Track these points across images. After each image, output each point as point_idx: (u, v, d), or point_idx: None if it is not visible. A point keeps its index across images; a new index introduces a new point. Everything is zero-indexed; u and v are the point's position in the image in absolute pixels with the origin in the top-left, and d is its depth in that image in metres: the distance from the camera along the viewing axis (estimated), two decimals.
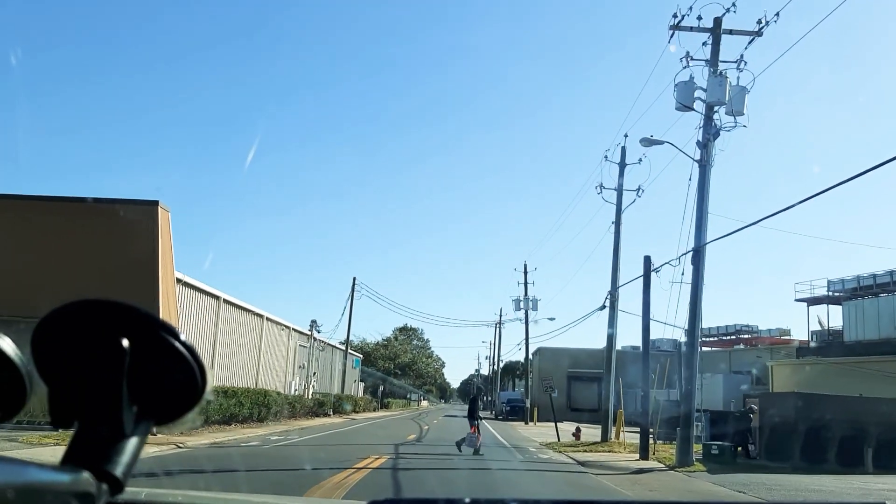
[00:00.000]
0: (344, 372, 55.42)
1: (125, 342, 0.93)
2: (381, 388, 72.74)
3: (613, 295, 26.33)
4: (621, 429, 26.48)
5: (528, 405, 49.69)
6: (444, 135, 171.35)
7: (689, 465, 17.67)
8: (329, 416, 43.56)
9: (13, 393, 0.89)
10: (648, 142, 19.44)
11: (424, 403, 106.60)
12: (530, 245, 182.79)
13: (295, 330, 43.10)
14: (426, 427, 35.16)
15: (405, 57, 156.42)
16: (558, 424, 28.71)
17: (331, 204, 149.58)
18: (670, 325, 28.15)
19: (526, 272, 52.69)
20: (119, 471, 0.93)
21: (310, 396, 43.11)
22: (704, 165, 18.77)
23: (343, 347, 55.66)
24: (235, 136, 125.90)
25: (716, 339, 65.02)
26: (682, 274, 19.59)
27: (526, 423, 46.13)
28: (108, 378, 0.93)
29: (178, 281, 24.62)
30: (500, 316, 72.07)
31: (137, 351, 0.94)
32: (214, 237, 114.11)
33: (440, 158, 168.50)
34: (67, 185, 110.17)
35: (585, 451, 22.25)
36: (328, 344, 52.08)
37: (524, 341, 52.37)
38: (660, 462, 19.17)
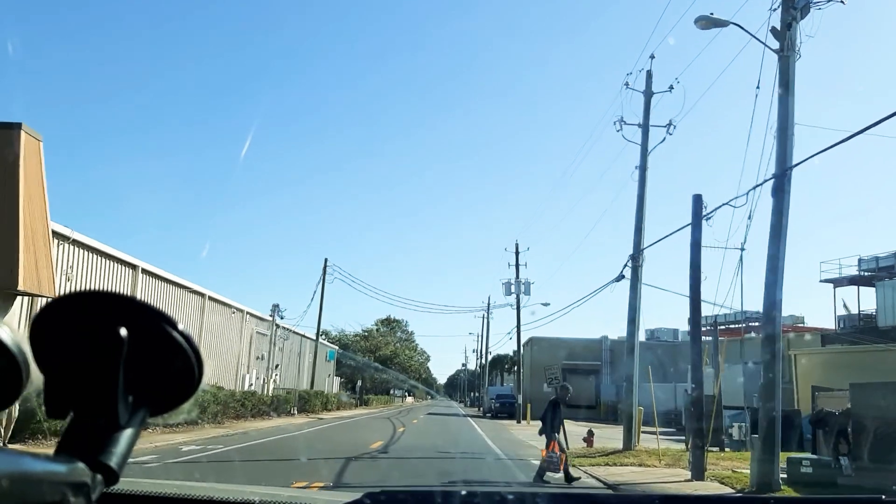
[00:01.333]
0: (314, 365, 49.39)
1: (123, 332, 0.89)
2: (360, 383, 66.73)
3: (637, 259, 20.52)
4: (640, 432, 21.06)
5: (520, 401, 43.90)
6: (423, 109, 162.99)
7: (773, 491, 11.95)
8: (293, 415, 37.75)
9: (9, 382, 0.85)
10: (709, 21, 13.55)
11: (409, 400, 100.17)
12: (521, 227, 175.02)
13: (251, 314, 37.04)
14: (401, 429, 29.19)
15: (380, 25, 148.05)
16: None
17: (305, 189, 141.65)
18: (708, 303, 22.62)
19: (517, 252, 47.24)
20: (114, 461, 0.89)
21: (269, 392, 37.17)
22: (787, 56, 13.02)
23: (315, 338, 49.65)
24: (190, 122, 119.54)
25: (723, 327, 59.96)
26: (750, 218, 13.88)
27: (518, 422, 40.31)
28: (105, 368, 0.89)
29: (65, 238, 18.67)
30: (489, 304, 66.41)
31: (134, 341, 0.90)
32: (183, 224, 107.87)
33: (422, 134, 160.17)
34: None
35: (608, 464, 16.49)
36: (295, 332, 45.98)
37: (515, 329, 46.80)
38: (722, 483, 13.43)
